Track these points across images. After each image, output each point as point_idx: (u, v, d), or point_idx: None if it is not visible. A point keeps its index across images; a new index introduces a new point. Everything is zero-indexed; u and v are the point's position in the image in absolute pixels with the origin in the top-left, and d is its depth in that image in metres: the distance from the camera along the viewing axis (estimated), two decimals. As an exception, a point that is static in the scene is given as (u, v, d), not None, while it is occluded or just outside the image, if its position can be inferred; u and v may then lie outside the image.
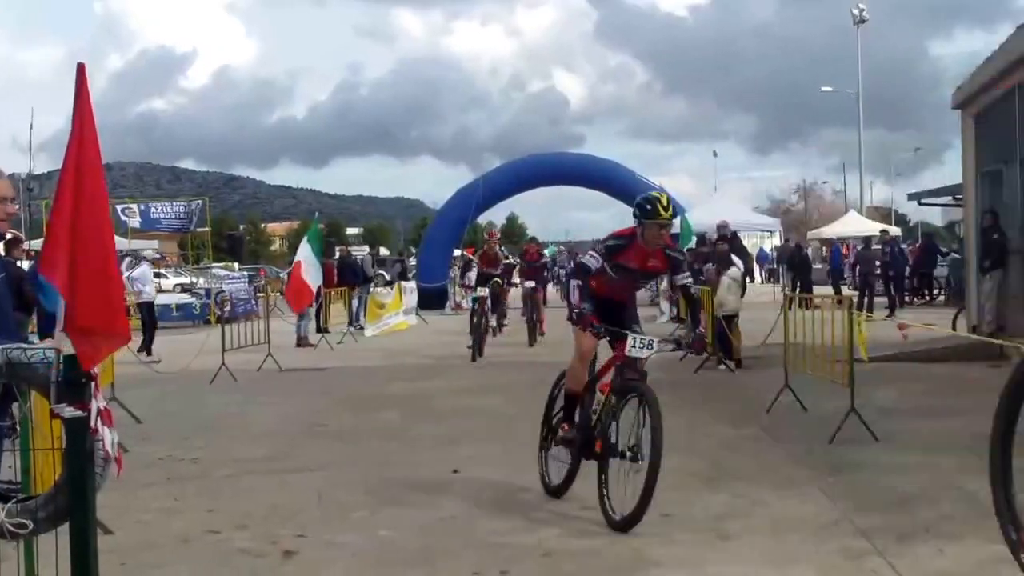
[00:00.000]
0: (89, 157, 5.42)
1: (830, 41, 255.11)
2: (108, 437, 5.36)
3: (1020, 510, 6.24)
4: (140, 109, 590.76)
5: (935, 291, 39.00)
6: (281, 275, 48.97)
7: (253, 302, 34.86)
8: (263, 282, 49.79)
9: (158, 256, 28.80)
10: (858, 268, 36.02)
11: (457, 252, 45.07)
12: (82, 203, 5.34)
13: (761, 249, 56.64)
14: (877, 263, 35.22)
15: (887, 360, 18.48)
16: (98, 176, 5.48)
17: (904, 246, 44.27)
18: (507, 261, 26.10)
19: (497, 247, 25.75)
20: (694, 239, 29.48)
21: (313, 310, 27.88)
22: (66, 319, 5.25)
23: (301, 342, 26.67)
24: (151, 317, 24.92)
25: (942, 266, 39.54)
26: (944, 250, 41.73)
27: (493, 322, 25.66)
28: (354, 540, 8.13)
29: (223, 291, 34.21)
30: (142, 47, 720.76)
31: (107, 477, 5.47)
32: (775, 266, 53.58)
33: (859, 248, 39.40)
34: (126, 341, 6.09)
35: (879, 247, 36.43)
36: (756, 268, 51.47)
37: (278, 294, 31.93)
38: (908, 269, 38.54)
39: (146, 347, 23.76)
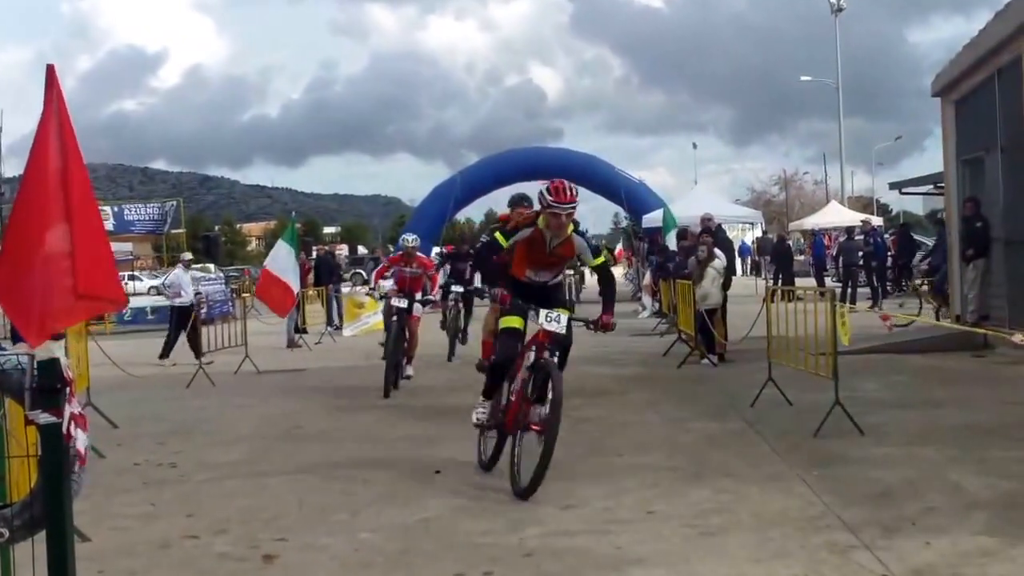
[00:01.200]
0: (72, 154, 5.38)
1: (807, 30, 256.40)
2: (81, 438, 5.28)
3: None
4: (110, 110, 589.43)
5: (917, 281, 39.11)
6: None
7: (230, 303, 34.80)
8: (247, 282, 49.67)
9: (190, 257, 28.67)
10: (841, 259, 36.01)
11: (436, 249, 45.00)
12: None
13: (743, 242, 56.77)
14: (860, 253, 35.25)
15: (871, 352, 18.50)
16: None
17: (887, 236, 44.33)
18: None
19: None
20: (675, 231, 29.53)
21: (296, 311, 27.84)
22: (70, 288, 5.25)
23: (291, 343, 26.67)
24: (186, 320, 24.38)
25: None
26: (923, 241, 41.74)
27: None
28: (335, 543, 8.05)
29: (199, 293, 34.15)
30: (111, 47, 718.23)
31: (83, 483, 5.41)
32: (757, 258, 53.72)
33: (841, 239, 39.44)
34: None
35: (861, 237, 36.46)
36: (738, 261, 51.59)
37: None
38: (890, 259, 38.57)
39: (187, 349, 23.22)
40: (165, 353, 23.59)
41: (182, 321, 24.06)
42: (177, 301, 24.44)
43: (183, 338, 23.64)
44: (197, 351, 22.56)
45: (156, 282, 53.48)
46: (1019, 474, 9.41)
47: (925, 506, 8.45)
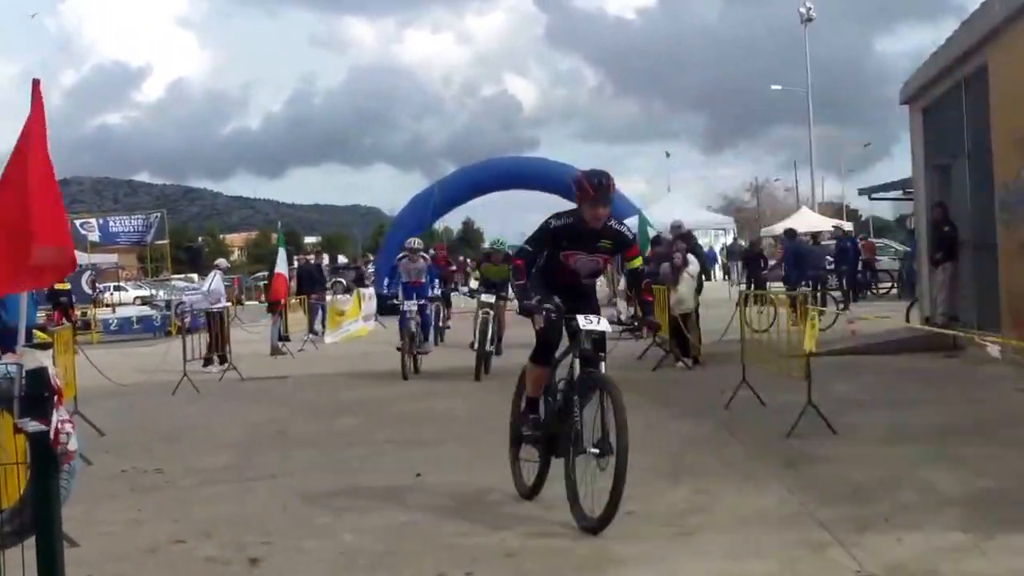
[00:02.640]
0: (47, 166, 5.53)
1: (777, 40, 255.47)
2: (72, 438, 5.38)
3: None
4: (95, 124, 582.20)
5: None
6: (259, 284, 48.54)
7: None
8: (236, 291, 49.57)
9: (228, 265, 28.67)
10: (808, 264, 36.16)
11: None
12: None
13: (710, 248, 56.61)
14: (828, 258, 35.43)
15: (843, 353, 18.63)
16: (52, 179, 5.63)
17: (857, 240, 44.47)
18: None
19: None
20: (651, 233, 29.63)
21: (280, 318, 27.89)
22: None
23: (275, 351, 26.63)
24: (222, 326, 24.24)
25: (893, 260, 39.95)
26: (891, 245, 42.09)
27: None
28: (319, 546, 8.13)
29: (183, 302, 34.12)
30: (96, 62, 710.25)
31: (72, 490, 5.49)
32: (727, 262, 53.76)
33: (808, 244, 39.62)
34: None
35: (833, 242, 36.62)
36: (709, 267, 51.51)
37: (255, 302, 31.82)
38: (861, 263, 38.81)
39: (220, 357, 23.20)
40: (220, 359, 23.34)
41: (219, 325, 24.09)
42: (217, 307, 24.27)
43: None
44: (223, 357, 22.51)
45: (143, 293, 53.36)
46: (992, 472, 9.53)
47: (898, 503, 8.53)
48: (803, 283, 26.90)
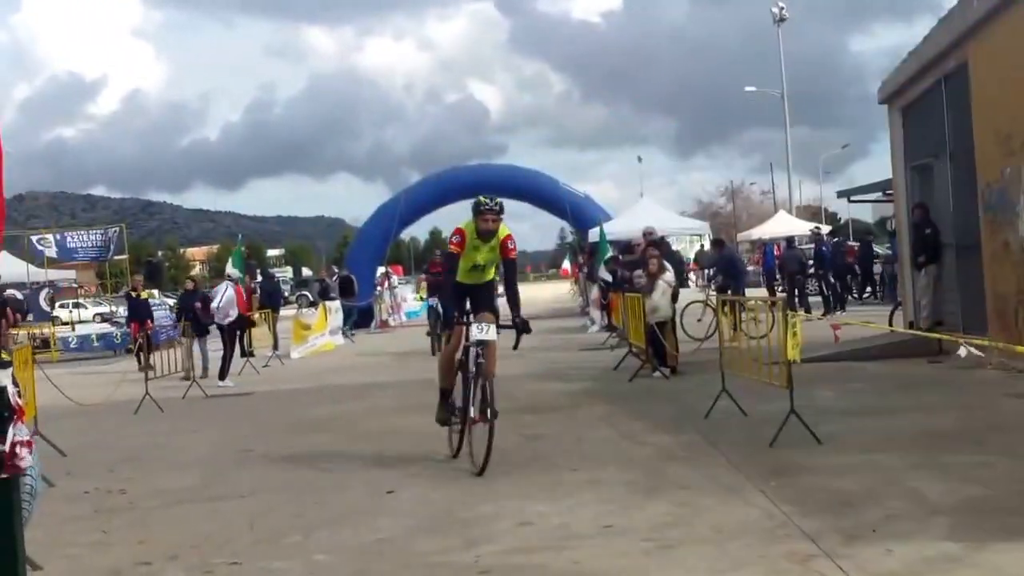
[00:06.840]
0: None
1: (748, 41, 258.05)
2: (27, 459, 5.16)
3: None
4: (49, 137, 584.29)
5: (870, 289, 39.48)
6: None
7: (176, 329, 34.40)
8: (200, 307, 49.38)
9: (239, 275, 28.15)
10: (784, 269, 36.04)
11: (381, 269, 44.86)
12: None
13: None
14: (810, 262, 35.35)
15: (826, 360, 18.48)
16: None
17: (849, 242, 44.42)
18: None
19: None
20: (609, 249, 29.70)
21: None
22: None
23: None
24: (233, 341, 24.18)
25: (875, 263, 39.96)
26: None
27: None
28: (289, 566, 7.94)
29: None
30: (50, 74, 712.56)
31: (34, 512, 5.29)
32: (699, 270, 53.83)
33: (784, 248, 39.51)
34: None
35: (812, 246, 36.55)
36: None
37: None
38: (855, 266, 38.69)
39: (224, 373, 23.02)
40: (225, 374, 23.06)
41: (234, 338, 23.86)
42: (227, 320, 23.91)
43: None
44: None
45: (102, 309, 53.04)
46: (980, 479, 9.37)
47: (886, 513, 8.38)
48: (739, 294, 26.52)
